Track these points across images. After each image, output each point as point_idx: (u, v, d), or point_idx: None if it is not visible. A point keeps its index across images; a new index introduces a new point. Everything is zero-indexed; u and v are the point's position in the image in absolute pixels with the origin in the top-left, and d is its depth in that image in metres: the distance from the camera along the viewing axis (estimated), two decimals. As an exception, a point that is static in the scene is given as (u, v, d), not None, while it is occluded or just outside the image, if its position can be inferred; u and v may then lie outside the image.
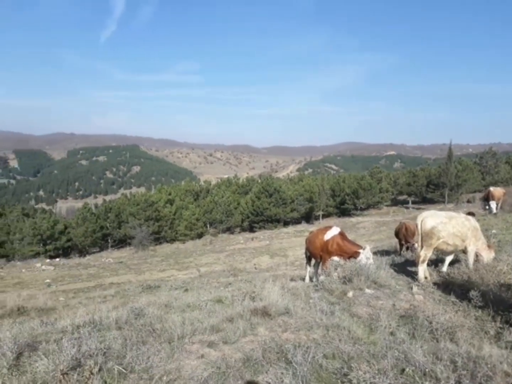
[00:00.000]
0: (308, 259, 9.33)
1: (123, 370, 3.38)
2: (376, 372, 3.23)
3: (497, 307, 4.79)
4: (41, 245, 36.55)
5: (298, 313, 4.87)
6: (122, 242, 42.32)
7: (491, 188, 20.10)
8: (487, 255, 6.58)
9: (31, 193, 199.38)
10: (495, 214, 17.86)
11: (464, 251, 6.62)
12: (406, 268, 7.47)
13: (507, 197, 20.74)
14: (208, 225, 44.73)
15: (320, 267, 8.39)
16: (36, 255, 35.40)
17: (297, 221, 46.17)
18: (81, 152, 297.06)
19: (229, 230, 45.66)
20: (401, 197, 57.89)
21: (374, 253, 8.54)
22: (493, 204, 18.69)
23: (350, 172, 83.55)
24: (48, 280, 22.55)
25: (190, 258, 28.53)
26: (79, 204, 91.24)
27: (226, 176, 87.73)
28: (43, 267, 28.86)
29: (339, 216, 49.07)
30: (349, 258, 7.38)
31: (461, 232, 6.33)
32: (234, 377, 3.35)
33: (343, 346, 3.82)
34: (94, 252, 39.82)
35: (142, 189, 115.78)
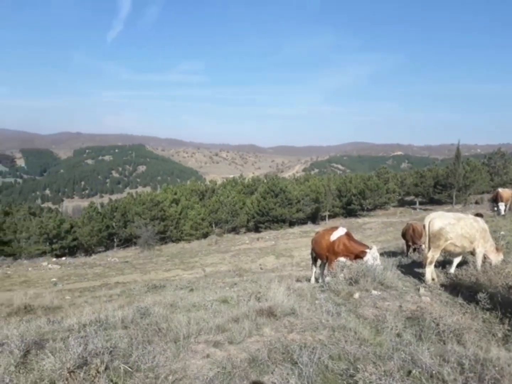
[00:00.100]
0: (314, 260, 9.30)
1: (129, 369, 3.40)
2: (382, 373, 3.22)
3: (505, 309, 4.74)
4: (48, 244, 36.80)
5: (304, 314, 4.84)
6: (127, 242, 42.47)
7: (500, 189, 19.94)
8: (495, 257, 6.52)
9: (38, 192, 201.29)
10: (503, 215, 17.72)
11: (472, 253, 6.54)
12: (413, 270, 7.41)
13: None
14: (213, 225, 44.76)
15: (326, 268, 8.36)
16: (43, 253, 35.67)
17: (303, 222, 46.02)
18: (87, 151, 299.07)
19: (235, 230, 45.64)
20: (408, 198, 57.42)
21: (381, 254, 8.48)
22: (501, 206, 18.53)
23: (357, 172, 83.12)
24: (54, 279, 22.69)
25: (196, 258, 28.55)
26: (85, 203, 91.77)
27: (231, 176, 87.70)
28: (49, 265, 29.01)
29: (346, 217, 48.77)
30: (355, 258, 7.33)
31: (469, 234, 6.26)
32: (239, 377, 3.35)
33: (349, 347, 3.80)
34: (100, 251, 39.96)
35: (148, 189, 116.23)
